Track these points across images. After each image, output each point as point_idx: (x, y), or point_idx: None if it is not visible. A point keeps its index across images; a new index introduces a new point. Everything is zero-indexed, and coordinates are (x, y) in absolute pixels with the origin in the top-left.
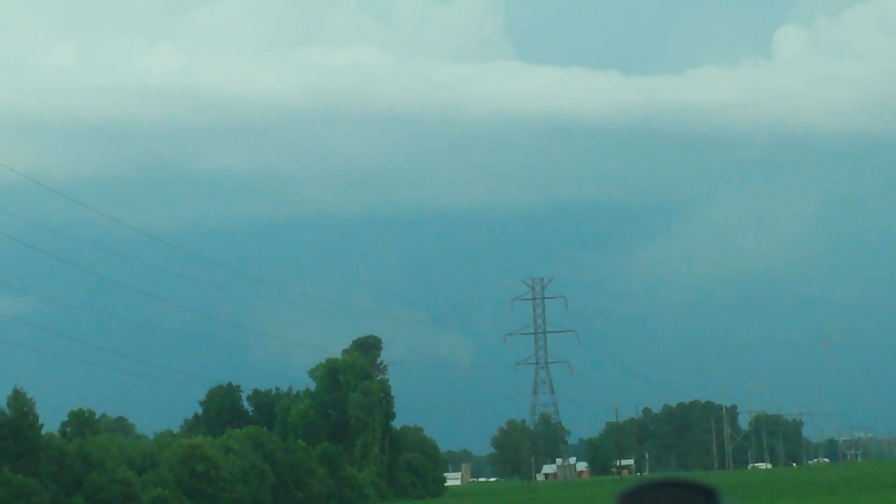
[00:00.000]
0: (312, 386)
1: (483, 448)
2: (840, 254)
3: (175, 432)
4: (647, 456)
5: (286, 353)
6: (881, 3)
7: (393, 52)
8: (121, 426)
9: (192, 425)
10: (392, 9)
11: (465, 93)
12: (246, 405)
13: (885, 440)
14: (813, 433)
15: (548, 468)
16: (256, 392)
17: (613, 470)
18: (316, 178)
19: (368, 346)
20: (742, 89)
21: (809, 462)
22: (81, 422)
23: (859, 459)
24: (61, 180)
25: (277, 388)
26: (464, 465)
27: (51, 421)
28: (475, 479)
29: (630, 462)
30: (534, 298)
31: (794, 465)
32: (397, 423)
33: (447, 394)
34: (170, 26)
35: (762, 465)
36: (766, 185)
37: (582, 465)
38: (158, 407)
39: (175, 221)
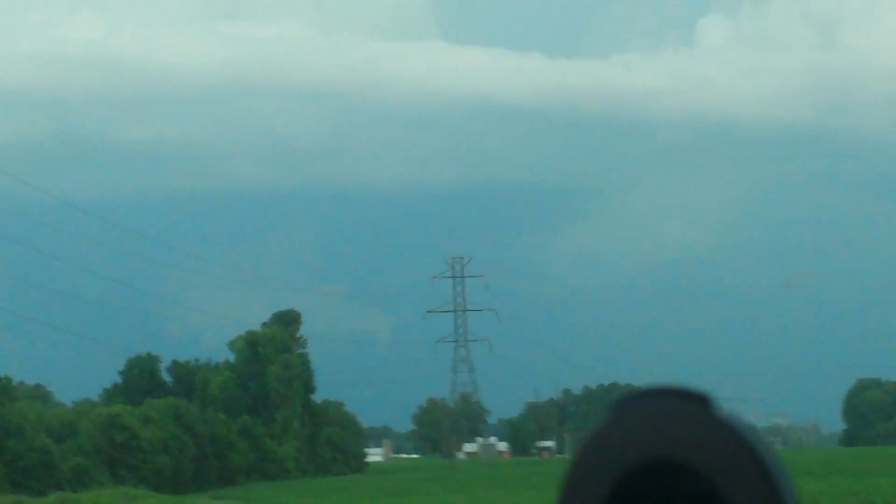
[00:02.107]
0: (232, 358)
1: (404, 424)
2: (760, 241)
3: (94, 401)
4: (568, 437)
5: (205, 325)
6: None
7: (318, 28)
8: (39, 394)
9: (112, 394)
10: None
11: (390, 71)
12: (165, 376)
13: (803, 428)
14: None
15: (469, 447)
16: (175, 363)
17: (533, 451)
18: (238, 152)
19: (288, 320)
20: (665, 76)
21: None
22: None
23: (778, 447)
24: None
25: (197, 360)
26: (385, 441)
27: None
28: (397, 456)
29: (551, 444)
30: (454, 276)
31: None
32: (318, 398)
33: (368, 369)
34: None
35: None
36: (688, 171)
37: (503, 446)
38: (77, 375)
39: (95, 191)
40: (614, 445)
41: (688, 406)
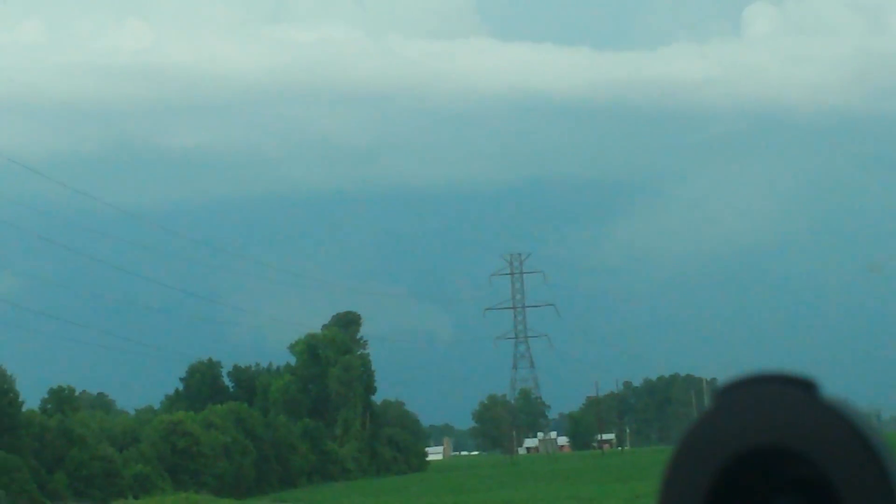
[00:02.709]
0: (293, 361)
1: (464, 422)
2: (813, 229)
3: (156, 408)
4: (628, 430)
5: (266, 329)
6: None
7: (363, 30)
8: (101, 403)
9: (173, 401)
10: None
11: (437, 70)
12: (226, 381)
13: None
14: None
15: (529, 442)
16: (237, 368)
17: (594, 444)
18: (290, 156)
19: (348, 322)
20: (713, 66)
21: None
22: (62, 398)
23: None
24: (35, 158)
25: (258, 364)
26: (445, 440)
27: (31, 398)
28: (457, 453)
29: (611, 436)
30: (512, 273)
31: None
32: (378, 398)
33: (428, 368)
34: (139, 3)
35: None
36: (739, 161)
37: (563, 440)
38: (139, 383)
39: (151, 198)
40: (720, 432)
41: (794, 392)
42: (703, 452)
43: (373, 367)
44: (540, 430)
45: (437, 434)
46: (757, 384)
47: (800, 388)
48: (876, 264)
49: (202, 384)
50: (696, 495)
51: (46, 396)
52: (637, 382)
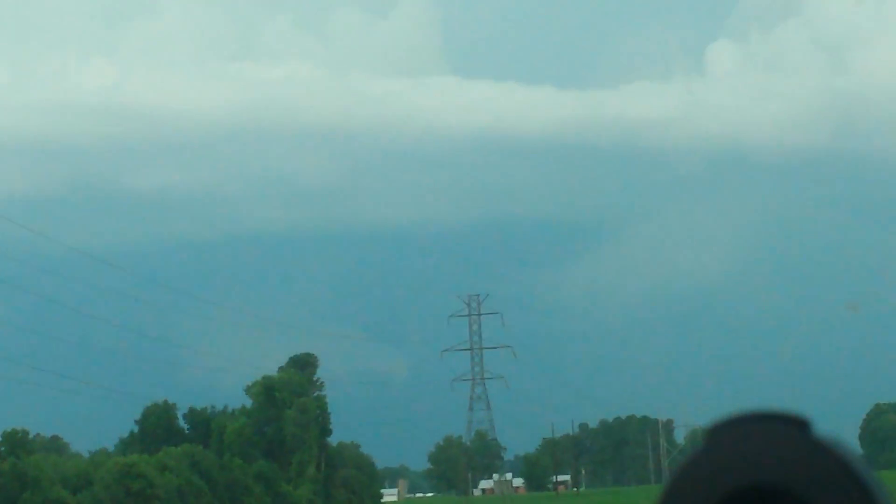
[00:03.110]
0: (249, 404)
1: (420, 463)
2: (777, 269)
3: (110, 451)
4: (584, 471)
5: (222, 371)
6: (812, 19)
7: (328, 68)
8: (55, 445)
9: (128, 444)
10: (327, 24)
11: (401, 108)
12: (182, 423)
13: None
14: None
15: (485, 484)
16: (192, 410)
17: (550, 486)
18: (250, 195)
19: (304, 364)
20: (677, 104)
21: None
22: (15, 442)
23: None
24: None
25: (213, 406)
26: (401, 481)
27: None
28: (412, 495)
29: (566, 478)
30: (470, 315)
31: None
32: (334, 440)
33: (384, 410)
34: (103, 41)
35: None
36: (702, 200)
37: (518, 481)
38: (93, 426)
39: (109, 239)
40: (712, 470)
41: (788, 430)
42: (695, 491)
43: (328, 409)
44: (495, 472)
45: (393, 476)
46: (749, 422)
47: (793, 427)
48: (853, 304)
49: (157, 426)
50: None
51: (0, 439)
52: (593, 424)
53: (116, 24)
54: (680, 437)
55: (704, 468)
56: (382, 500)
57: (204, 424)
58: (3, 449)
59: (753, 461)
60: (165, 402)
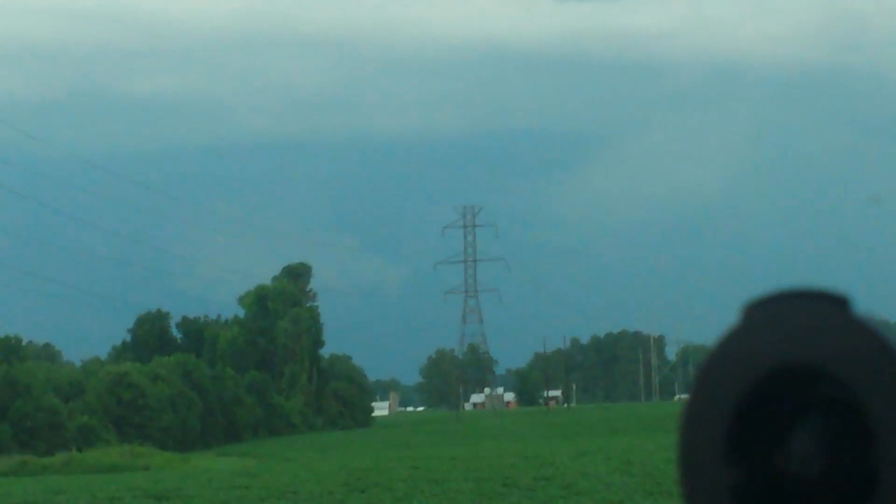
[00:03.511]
0: (242, 313)
1: (412, 377)
2: (772, 183)
3: (103, 360)
4: (575, 387)
5: (216, 280)
6: None
7: None
8: (48, 353)
9: (121, 353)
10: None
11: (396, 16)
12: (175, 332)
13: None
14: None
15: (476, 398)
16: (185, 319)
17: (541, 401)
18: (246, 102)
19: (298, 273)
20: (676, 17)
21: None
22: (8, 348)
23: None
24: None
25: (207, 316)
26: (392, 395)
27: None
28: (403, 409)
29: (557, 393)
30: (465, 226)
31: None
32: (326, 352)
33: (377, 322)
34: None
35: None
36: (699, 113)
37: (510, 396)
38: (86, 334)
39: (105, 145)
40: (747, 349)
41: (826, 308)
42: (732, 370)
43: (321, 321)
44: (487, 386)
45: (384, 389)
46: (787, 300)
47: (832, 305)
48: (876, 196)
49: (150, 335)
50: (723, 413)
51: None
52: (585, 339)
53: None
54: (671, 353)
55: (741, 346)
56: (374, 414)
57: (197, 334)
58: None
59: (792, 339)
60: (159, 311)
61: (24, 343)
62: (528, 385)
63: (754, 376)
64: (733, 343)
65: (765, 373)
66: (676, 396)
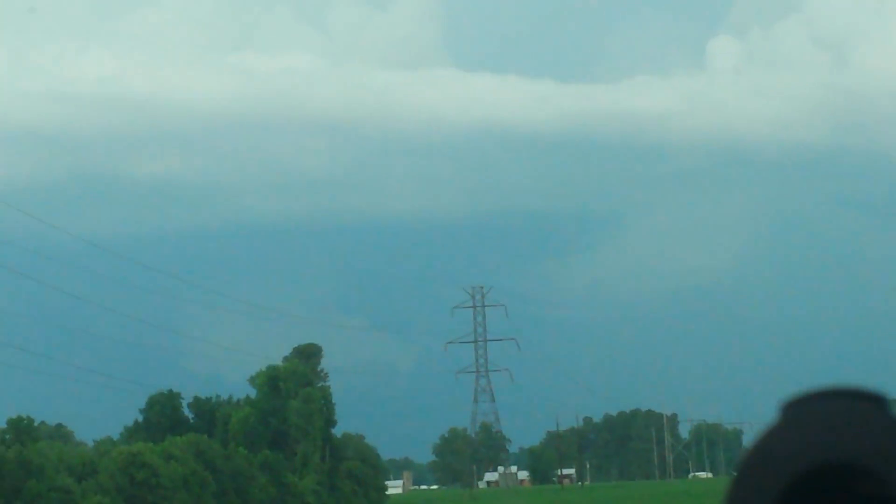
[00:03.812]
0: (253, 394)
1: (425, 456)
2: (778, 263)
3: (115, 440)
4: (588, 465)
5: (226, 361)
6: (813, 16)
7: (328, 58)
8: (60, 434)
9: (133, 432)
10: (327, 15)
11: (402, 100)
12: (186, 412)
13: None
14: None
15: (490, 476)
16: (197, 399)
17: (554, 479)
18: (252, 186)
19: (309, 354)
20: (677, 99)
21: None
22: (20, 429)
23: None
24: None
25: (218, 396)
26: (405, 473)
27: None
28: (417, 487)
29: (571, 471)
30: (474, 306)
31: (735, 474)
32: (338, 431)
33: (388, 401)
34: (102, 31)
35: (703, 474)
36: (703, 194)
37: (523, 474)
38: (98, 414)
39: (111, 228)
40: (786, 447)
41: (864, 407)
42: (770, 469)
43: (333, 400)
44: (500, 465)
45: (397, 468)
46: (825, 398)
47: (870, 403)
48: None
49: (162, 415)
50: None
51: (4, 427)
52: (597, 418)
53: (115, 13)
54: (685, 431)
55: (779, 445)
56: (388, 492)
57: (208, 414)
58: (7, 436)
59: (830, 438)
60: (170, 392)
61: (36, 424)
62: (541, 463)
63: (793, 474)
64: (772, 441)
65: (804, 471)
66: (691, 474)
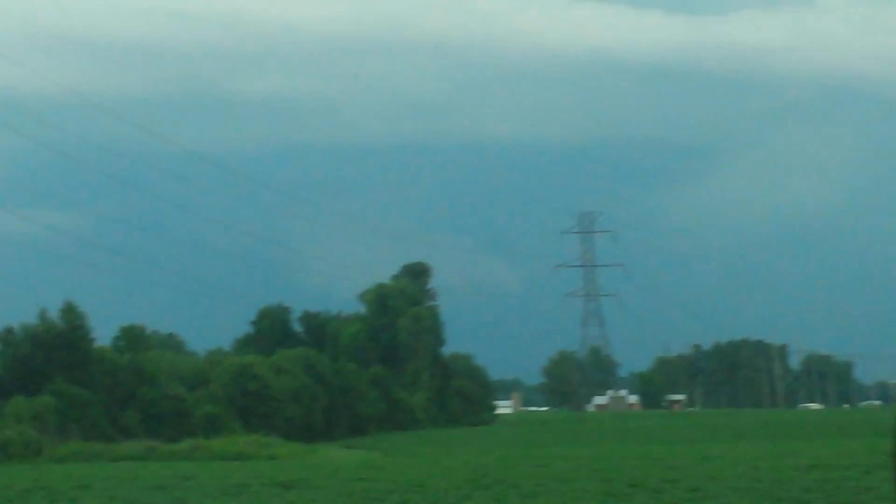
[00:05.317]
0: (362, 310)
1: (533, 377)
2: (887, 193)
3: (226, 351)
4: (698, 392)
5: (336, 277)
6: None
7: None
8: (172, 343)
9: (243, 344)
10: None
11: (508, 25)
12: (296, 326)
13: None
14: (864, 375)
15: (599, 399)
16: (307, 314)
17: (664, 404)
18: (358, 105)
19: (418, 273)
20: (785, 33)
21: (860, 404)
22: (133, 337)
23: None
24: (105, 97)
25: (328, 311)
26: (514, 394)
27: (103, 336)
28: (526, 408)
29: (681, 397)
30: (582, 231)
31: (846, 406)
32: (447, 351)
33: (497, 323)
34: None
35: (813, 406)
36: (811, 126)
37: (633, 398)
38: (209, 325)
39: (219, 142)
40: None
41: None
42: None
43: (441, 320)
44: (609, 388)
45: (506, 388)
46: None
47: None
48: None
49: (272, 328)
50: None
51: (118, 335)
52: (706, 346)
53: None
54: (795, 362)
55: None
56: (496, 412)
57: (318, 329)
58: (121, 344)
59: None
60: (280, 305)
61: (148, 332)
62: (650, 388)
63: None
64: None
65: None
66: (800, 405)
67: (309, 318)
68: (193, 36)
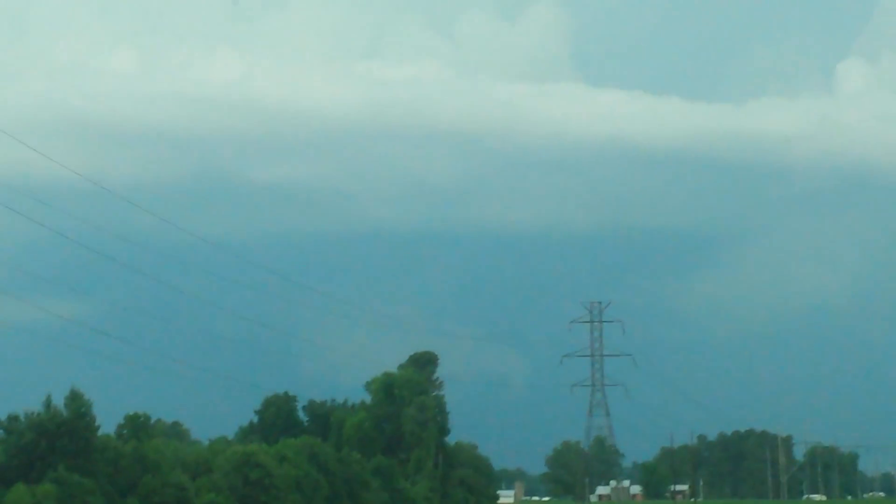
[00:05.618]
0: (368, 399)
1: (537, 467)
2: (892, 284)
3: (230, 439)
4: (701, 482)
5: (342, 366)
6: None
7: (455, 69)
8: (176, 431)
9: (247, 433)
10: (456, 26)
11: (527, 112)
12: (301, 415)
13: None
14: (868, 466)
15: (602, 489)
16: (312, 403)
17: (667, 494)
18: (374, 192)
19: (425, 362)
20: (803, 121)
21: (864, 495)
22: (137, 425)
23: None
24: (121, 184)
25: (333, 400)
26: (517, 484)
27: (107, 424)
28: (529, 498)
29: (684, 487)
30: (591, 321)
31: (849, 497)
32: (451, 440)
33: (502, 412)
34: (231, 34)
35: (817, 497)
36: (825, 217)
37: (636, 489)
38: (213, 414)
39: (233, 230)
40: None
41: None
42: None
43: (447, 409)
44: (612, 478)
45: (509, 478)
46: None
47: None
48: None
49: (277, 417)
50: None
51: (122, 422)
52: (712, 436)
53: (244, 17)
54: (799, 453)
55: None
56: (499, 502)
57: (323, 417)
58: (125, 432)
59: None
60: (286, 394)
61: (152, 421)
62: (654, 479)
63: None
64: None
65: None
66: (805, 496)
67: (314, 407)
68: (209, 123)
